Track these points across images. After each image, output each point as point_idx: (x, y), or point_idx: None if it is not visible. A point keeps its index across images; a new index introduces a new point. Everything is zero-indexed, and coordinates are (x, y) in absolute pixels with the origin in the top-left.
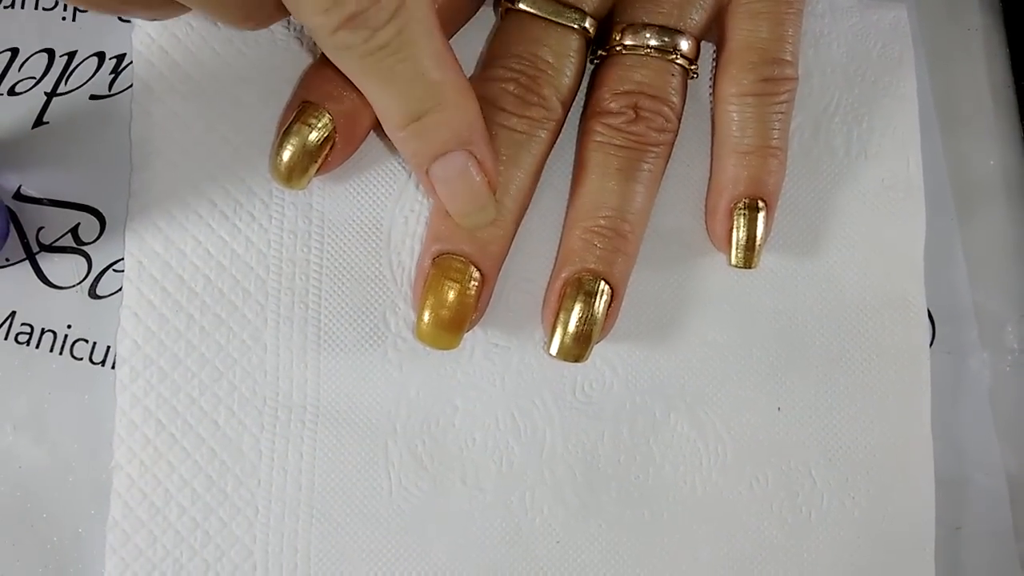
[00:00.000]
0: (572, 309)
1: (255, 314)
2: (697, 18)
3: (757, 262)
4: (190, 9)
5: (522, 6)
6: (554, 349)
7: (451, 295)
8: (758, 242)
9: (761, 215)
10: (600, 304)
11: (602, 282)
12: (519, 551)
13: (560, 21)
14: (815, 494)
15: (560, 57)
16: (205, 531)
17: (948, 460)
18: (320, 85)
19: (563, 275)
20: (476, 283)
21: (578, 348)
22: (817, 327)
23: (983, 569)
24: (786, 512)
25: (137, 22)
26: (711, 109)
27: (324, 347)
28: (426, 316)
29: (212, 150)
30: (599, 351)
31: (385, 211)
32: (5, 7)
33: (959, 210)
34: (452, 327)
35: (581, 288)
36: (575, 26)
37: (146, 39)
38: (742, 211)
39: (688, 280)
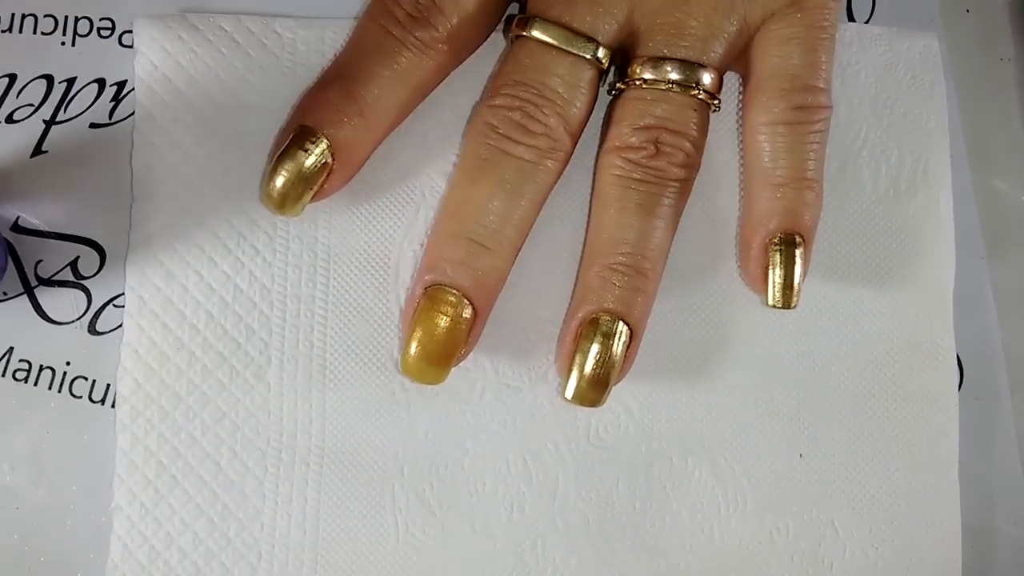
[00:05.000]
0: (588, 351)
1: (259, 352)
2: (720, 50)
3: (797, 302)
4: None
5: (535, 33)
6: (569, 393)
7: (441, 328)
8: (797, 280)
9: (799, 251)
10: (618, 346)
11: (620, 323)
12: None
13: (572, 51)
14: (837, 544)
15: (570, 88)
16: None
17: (976, 509)
18: (318, 109)
19: (580, 315)
20: (468, 317)
21: (594, 392)
22: (841, 370)
23: None
24: (807, 563)
25: (139, 48)
26: (740, 141)
27: (330, 386)
28: (413, 348)
29: (215, 181)
30: (614, 393)
31: (393, 245)
32: (3, 31)
33: (989, 249)
34: (439, 361)
35: (598, 329)
36: (588, 56)
37: (148, 66)
38: (778, 247)
39: (707, 320)
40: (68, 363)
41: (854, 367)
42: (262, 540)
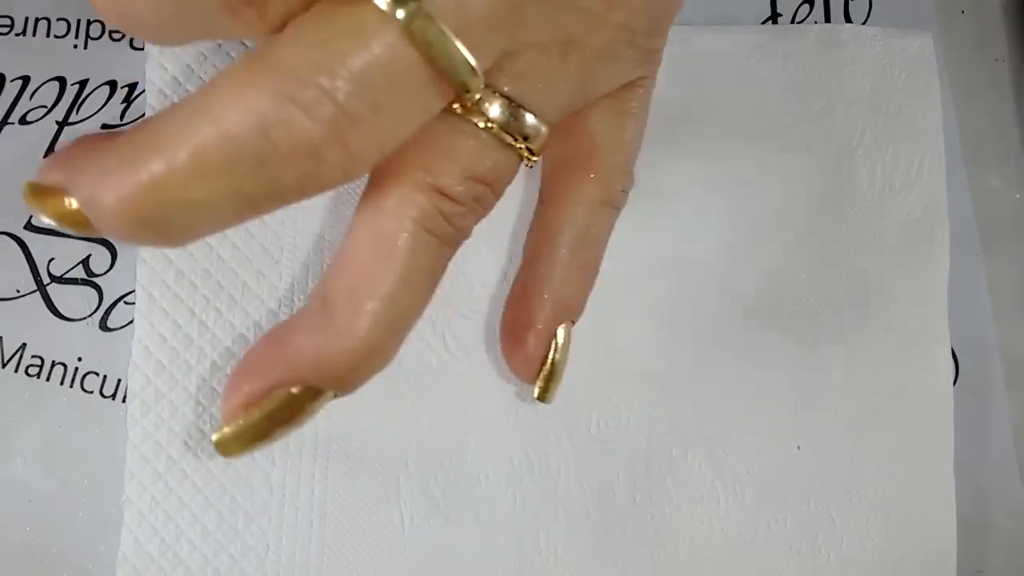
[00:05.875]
0: (263, 416)
1: None
2: (571, 110)
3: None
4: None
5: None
6: (215, 436)
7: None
8: (560, 374)
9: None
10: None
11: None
12: None
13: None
14: (835, 535)
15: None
16: (216, 568)
17: (971, 501)
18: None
19: (296, 373)
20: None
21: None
22: (838, 364)
23: None
24: (805, 553)
25: (150, 51)
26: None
27: None
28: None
29: None
30: (615, 388)
31: None
32: (16, 34)
33: (984, 246)
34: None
35: (298, 397)
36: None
37: (159, 68)
38: (563, 336)
39: (705, 316)
40: (80, 359)
41: (850, 362)
42: (270, 532)
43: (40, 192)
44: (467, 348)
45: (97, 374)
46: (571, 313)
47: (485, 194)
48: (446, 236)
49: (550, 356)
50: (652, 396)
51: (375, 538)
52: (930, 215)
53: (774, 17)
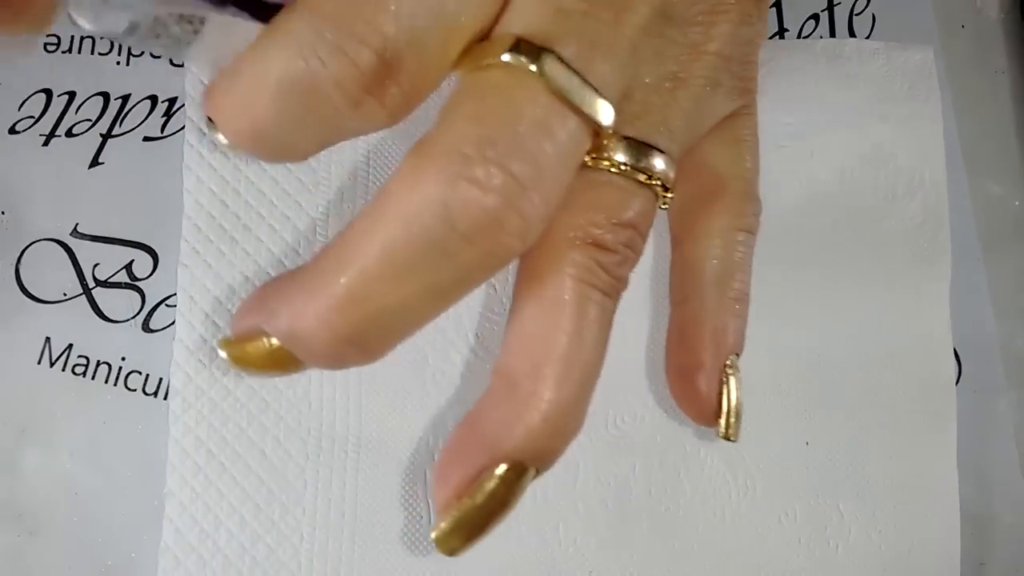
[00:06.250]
0: (483, 496)
1: None
2: (685, 140)
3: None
4: None
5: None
6: (435, 533)
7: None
8: (739, 409)
9: (740, 376)
10: (519, 490)
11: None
12: None
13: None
14: (843, 528)
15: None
16: (253, 556)
17: (974, 497)
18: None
19: (501, 454)
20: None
21: (461, 540)
22: (845, 364)
23: None
24: (814, 546)
25: (188, 67)
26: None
27: (366, 381)
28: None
29: (261, 191)
30: (632, 386)
31: None
32: (63, 52)
33: (985, 250)
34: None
35: (508, 479)
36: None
37: (198, 83)
38: (732, 370)
39: None
40: (123, 358)
41: (857, 361)
42: (304, 522)
43: (236, 343)
44: (491, 350)
45: (140, 373)
46: (735, 346)
47: (634, 238)
48: (607, 287)
49: (726, 394)
50: (667, 393)
51: (403, 528)
52: (932, 221)
53: (781, 32)
